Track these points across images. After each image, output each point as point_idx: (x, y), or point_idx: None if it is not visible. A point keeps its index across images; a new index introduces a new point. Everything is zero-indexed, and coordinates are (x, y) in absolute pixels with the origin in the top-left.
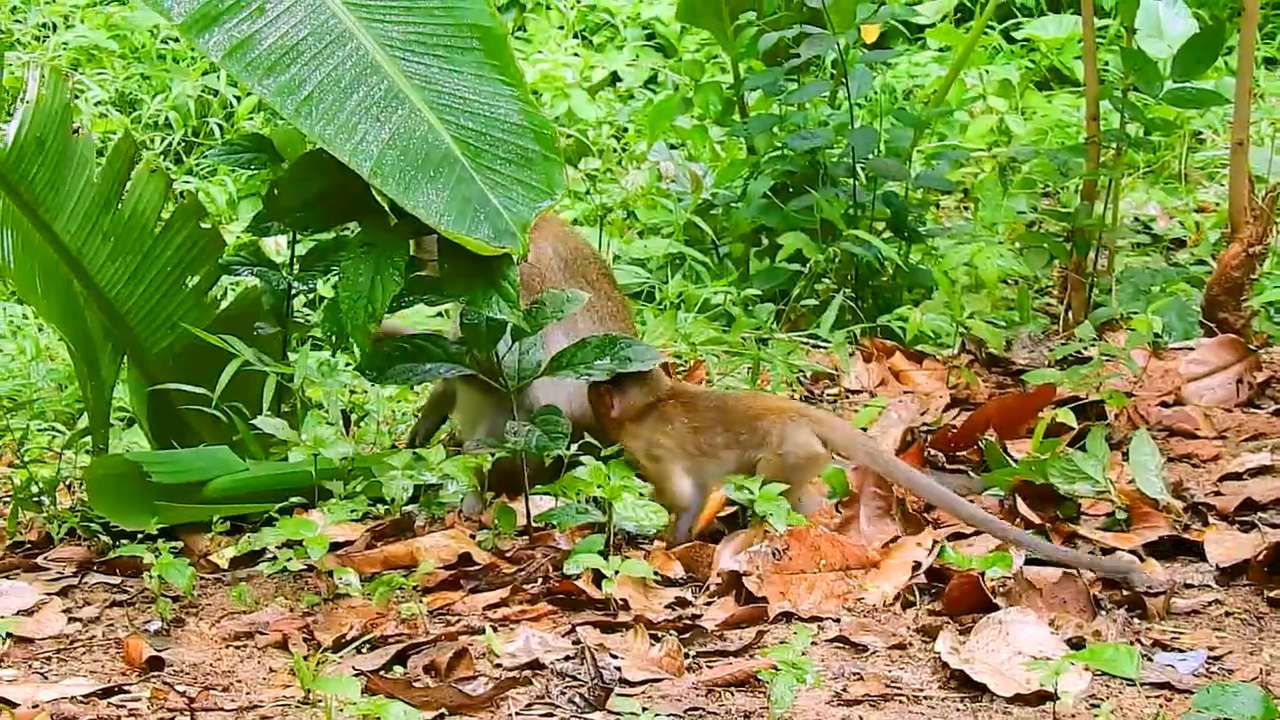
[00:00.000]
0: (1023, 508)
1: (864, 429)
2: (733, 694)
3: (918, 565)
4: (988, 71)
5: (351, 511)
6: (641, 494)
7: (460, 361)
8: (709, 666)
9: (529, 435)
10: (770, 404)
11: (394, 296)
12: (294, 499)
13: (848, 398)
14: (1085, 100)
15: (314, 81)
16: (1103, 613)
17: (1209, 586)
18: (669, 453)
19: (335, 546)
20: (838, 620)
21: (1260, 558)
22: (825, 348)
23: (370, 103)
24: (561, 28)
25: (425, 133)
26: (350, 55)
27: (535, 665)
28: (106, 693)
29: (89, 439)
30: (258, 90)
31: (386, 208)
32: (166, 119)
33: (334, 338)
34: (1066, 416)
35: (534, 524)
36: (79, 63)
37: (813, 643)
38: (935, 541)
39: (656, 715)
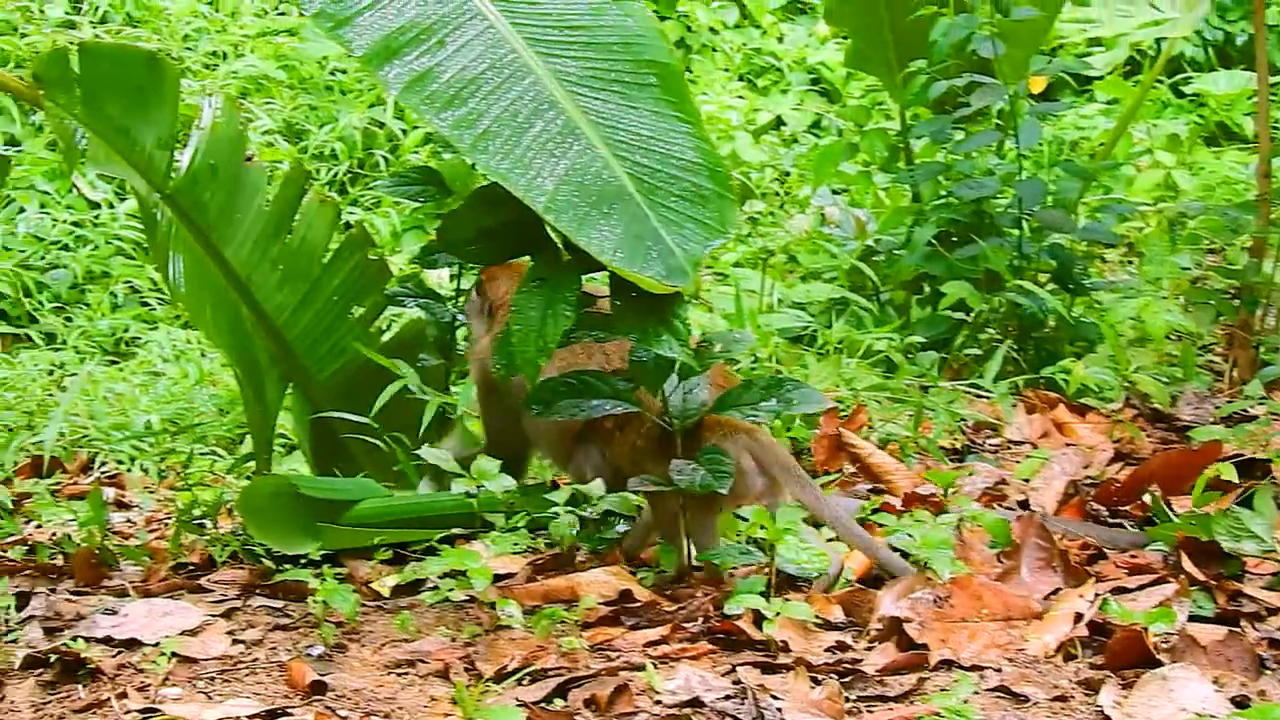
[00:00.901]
0: (1187, 564)
1: (1026, 480)
2: None
3: (1080, 617)
4: (1155, 125)
5: (515, 544)
6: (804, 538)
7: (627, 399)
8: (869, 711)
9: (694, 474)
10: (713, 421)
11: (564, 331)
12: (455, 529)
13: (1009, 448)
14: (1257, 157)
15: (491, 115)
16: (1268, 672)
17: None
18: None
19: (497, 578)
20: (999, 670)
21: None
22: (988, 398)
23: (546, 138)
24: (727, 70)
25: (600, 169)
26: (528, 90)
27: (696, 703)
28: (270, 715)
29: (251, 464)
30: (435, 124)
31: (559, 243)
32: (333, 150)
33: (503, 370)
34: (1229, 472)
35: (694, 563)
36: (247, 92)
37: (974, 692)
38: (1098, 594)
39: None
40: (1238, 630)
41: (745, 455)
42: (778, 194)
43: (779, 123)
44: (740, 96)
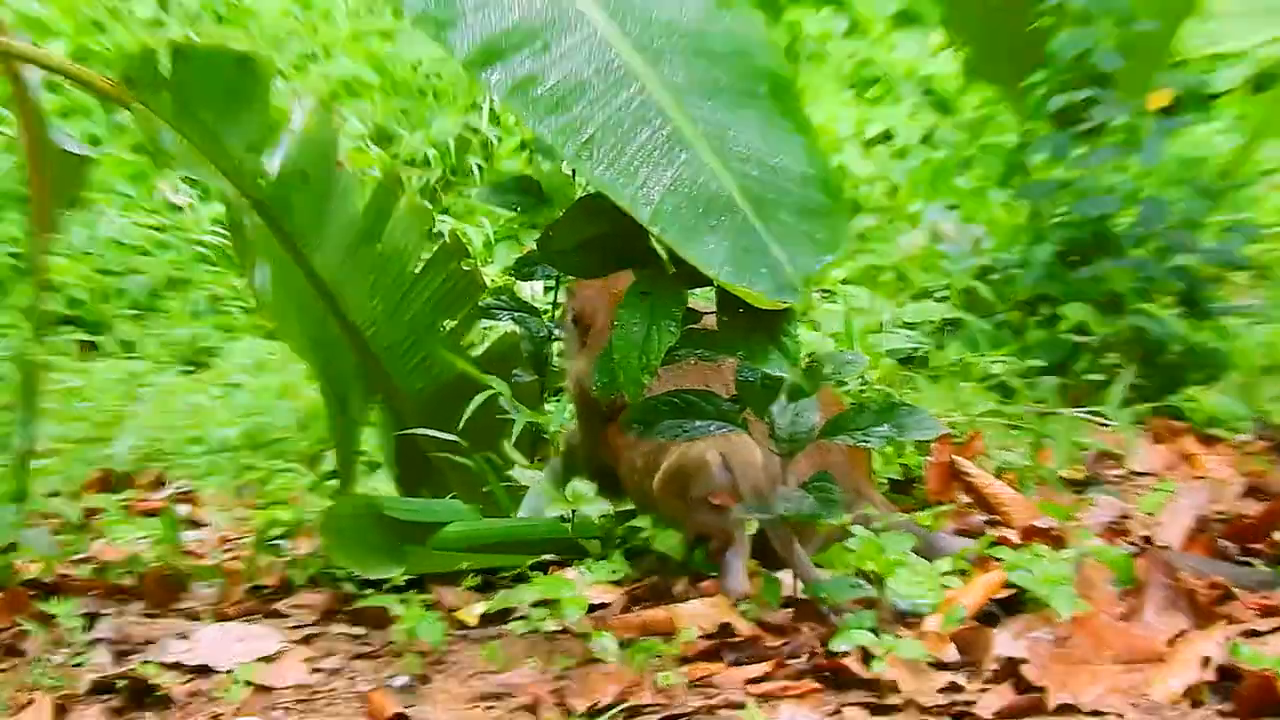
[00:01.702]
0: None
1: (1151, 514)
2: None
3: (1207, 661)
4: None
5: (612, 572)
6: (916, 571)
7: (733, 420)
8: None
9: (801, 502)
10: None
11: (668, 348)
12: (547, 555)
13: (1133, 480)
14: None
15: (596, 122)
16: None
17: None
18: None
19: (591, 608)
20: (1121, 715)
21: None
22: (1110, 426)
23: (652, 147)
24: (835, 80)
25: (707, 180)
26: (634, 97)
27: None
28: None
29: (333, 482)
30: (539, 130)
31: (664, 257)
32: (425, 156)
33: (603, 389)
34: None
35: (801, 596)
36: (338, 95)
37: None
38: (1227, 637)
39: None
40: None
41: (711, 450)
42: (888, 209)
43: (889, 135)
44: (850, 107)
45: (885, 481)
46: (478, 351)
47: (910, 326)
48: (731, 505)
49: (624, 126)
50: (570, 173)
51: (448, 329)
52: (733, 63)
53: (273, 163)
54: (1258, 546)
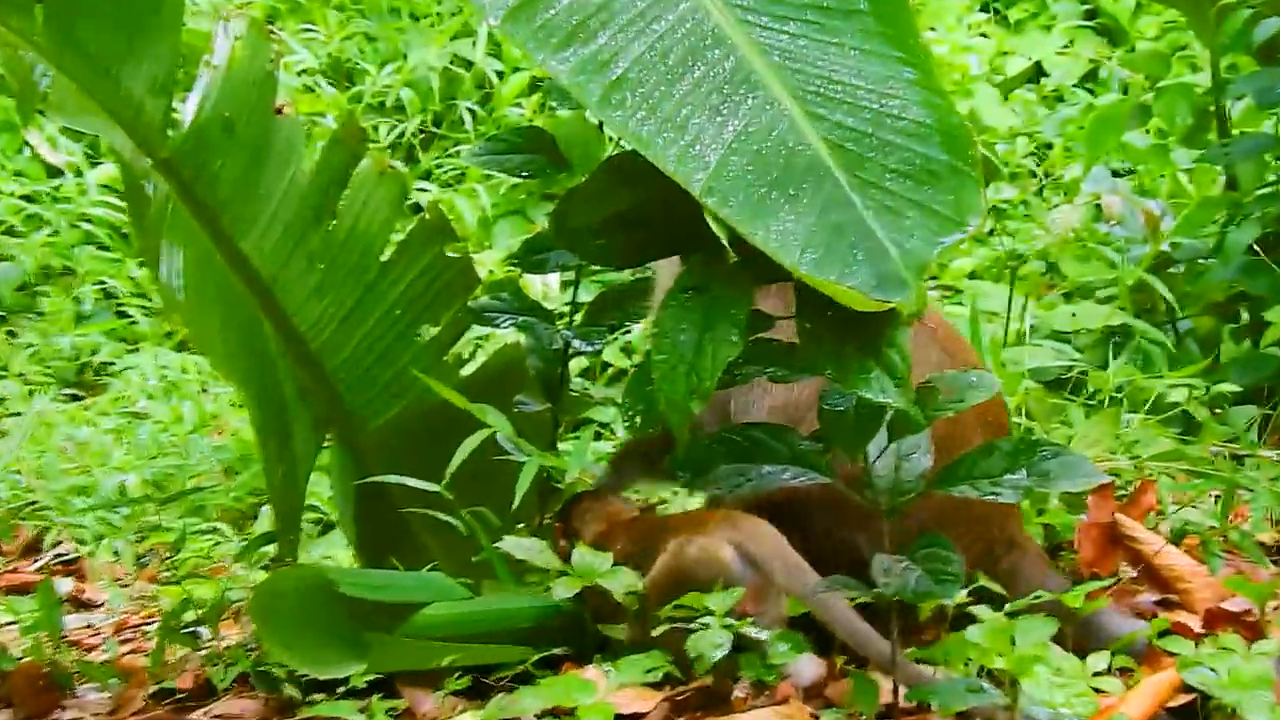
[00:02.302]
0: None
1: None
2: None
3: None
4: None
5: (645, 671)
6: (1059, 670)
7: (816, 466)
8: None
9: (907, 576)
10: (704, 516)
11: (729, 364)
12: (562, 648)
13: None
14: None
15: (631, 55)
16: None
17: None
18: None
19: (620, 719)
20: None
21: None
22: None
23: (709, 88)
24: None
25: (784, 132)
26: (684, 19)
27: None
28: None
29: (269, 548)
30: (551, 67)
31: (723, 239)
32: (398, 99)
33: (638, 418)
34: None
35: (904, 702)
36: (278, 13)
37: None
38: None
39: None
40: None
41: (722, 543)
42: (1034, 175)
43: (1039, 73)
44: (983, 34)
45: None
46: (469, 370)
47: (1062, 337)
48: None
49: (669, 60)
50: (597, 124)
51: (426, 338)
52: None
53: (186, 109)
54: None
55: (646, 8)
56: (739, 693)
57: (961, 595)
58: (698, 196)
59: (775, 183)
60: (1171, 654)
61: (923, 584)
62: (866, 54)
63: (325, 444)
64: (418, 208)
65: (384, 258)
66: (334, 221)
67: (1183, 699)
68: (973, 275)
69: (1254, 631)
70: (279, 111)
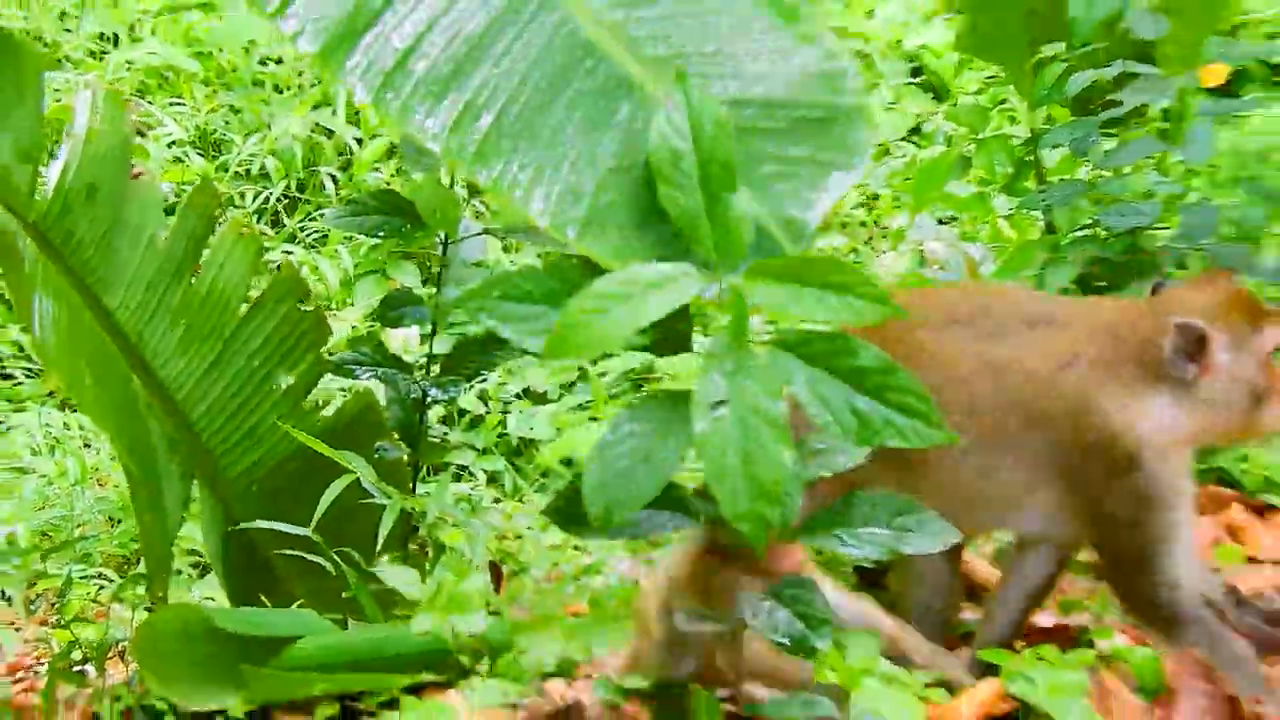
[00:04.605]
0: None
1: None
2: None
3: None
4: None
5: (501, 694)
6: (890, 680)
7: (689, 511)
8: None
9: (776, 617)
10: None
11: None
12: (425, 675)
13: None
14: None
15: (505, 91)
16: None
17: None
18: None
19: None
20: None
21: None
22: None
23: (584, 102)
24: None
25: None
26: (554, 34)
27: None
28: None
29: (147, 590)
30: (425, 130)
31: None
32: (262, 167)
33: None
34: None
35: (745, 716)
36: (147, 88)
37: None
38: None
39: None
40: None
41: None
42: (864, 224)
43: None
44: None
45: (856, 570)
46: (328, 414)
47: None
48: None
49: (544, 82)
50: (451, 184)
51: (283, 388)
52: None
53: (50, 175)
54: None
55: (516, 34)
56: (591, 713)
57: None
58: (577, 240)
59: (646, 214)
60: (994, 665)
61: (793, 626)
62: (736, 7)
63: (195, 490)
64: (275, 267)
65: (241, 313)
66: (194, 280)
67: (1005, 708)
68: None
69: (1071, 642)
70: (136, 177)
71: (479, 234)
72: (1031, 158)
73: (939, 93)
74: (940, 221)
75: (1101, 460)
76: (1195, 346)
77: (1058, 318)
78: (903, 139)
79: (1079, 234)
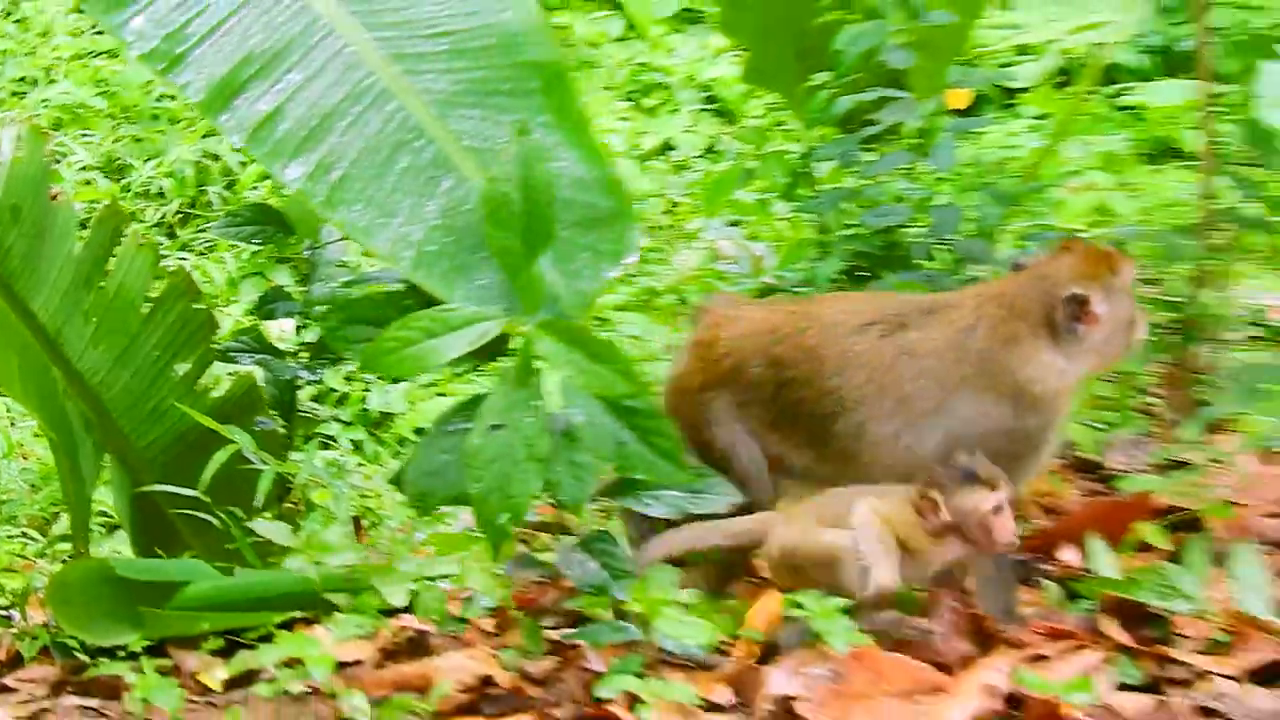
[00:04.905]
0: (1109, 628)
1: None
2: None
3: (991, 690)
4: (1090, 142)
5: (359, 627)
6: (689, 608)
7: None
8: None
9: (586, 567)
10: None
11: None
12: (296, 612)
13: None
14: (1199, 176)
15: (350, 156)
16: None
17: None
18: None
19: (342, 666)
20: None
21: None
22: None
23: (413, 175)
24: (610, 88)
25: (476, 205)
26: (391, 118)
27: None
28: None
29: (67, 545)
30: (285, 175)
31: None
32: (160, 187)
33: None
34: (1157, 537)
35: (565, 642)
36: (61, 122)
37: None
38: (1013, 664)
39: None
40: (1165, 698)
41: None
42: (667, 227)
43: (668, 147)
44: (625, 118)
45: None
46: (217, 394)
47: None
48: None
49: (380, 155)
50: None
51: (180, 374)
52: (500, 59)
53: None
54: (1048, 566)
55: (363, 111)
56: (436, 639)
57: None
58: (409, 275)
59: (470, 249)
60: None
61: (599, 575)
62: (541, 126)
63: (107, 461)
64: (175, 272)
65: (143, 311)
66: (103, 284)
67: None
68: (620, 308)
69: None
70: (54, 198)
71: (339, 240)
72: (806, 169)
73: (729, 117)
74: (730, 224)
75: (1010, 410)
76: (1080, 309)
77: (949, 302)
78: (699, 156)
79: (845, 232)
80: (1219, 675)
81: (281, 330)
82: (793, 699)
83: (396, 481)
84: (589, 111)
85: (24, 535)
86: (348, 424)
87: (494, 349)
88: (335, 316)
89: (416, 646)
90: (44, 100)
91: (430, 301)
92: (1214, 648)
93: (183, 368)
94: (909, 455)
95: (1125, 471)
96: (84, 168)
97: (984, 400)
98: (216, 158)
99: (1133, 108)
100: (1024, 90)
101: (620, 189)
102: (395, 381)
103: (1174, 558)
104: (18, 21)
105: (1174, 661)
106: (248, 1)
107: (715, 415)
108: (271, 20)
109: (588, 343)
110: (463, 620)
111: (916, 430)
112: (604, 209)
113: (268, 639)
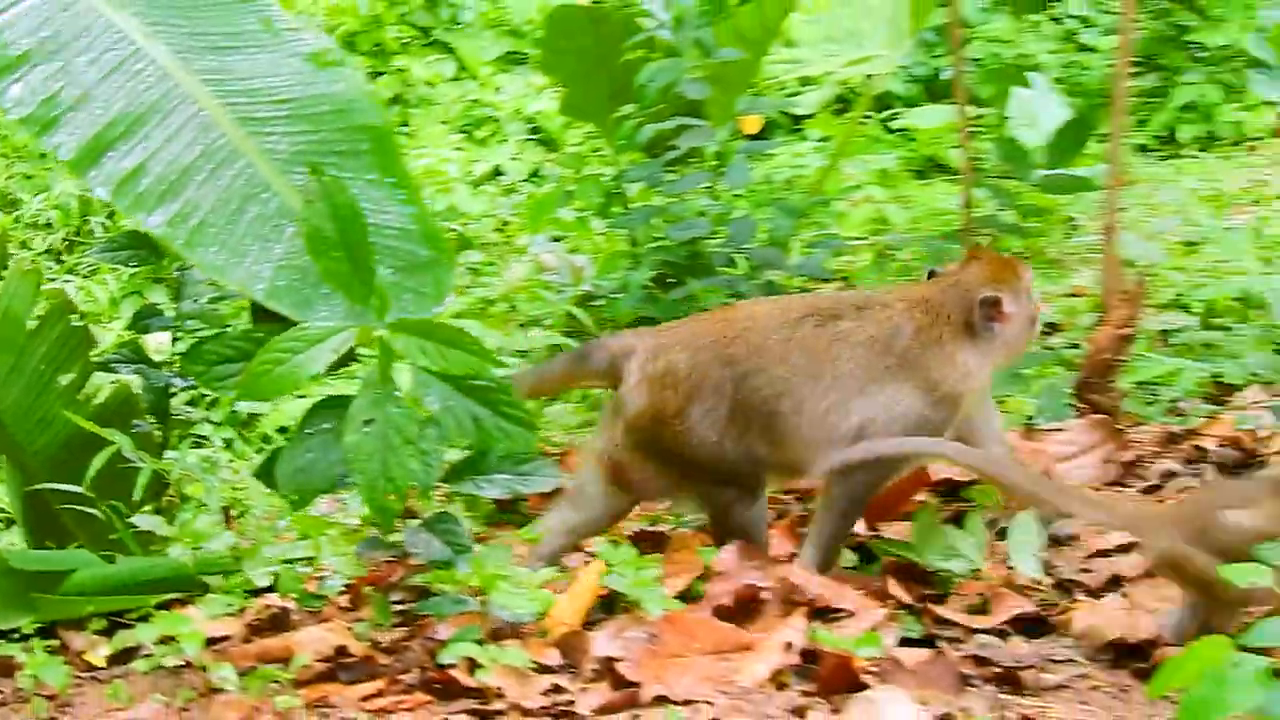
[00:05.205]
0: (894, 588)
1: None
2: None
3: (790, 646)
4: (867, 161)
5: (228, 605)
6: (518, 582)
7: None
8: None
9: (430, 547)
10: None
11: None
12: (172, 594)
13: None
14: (961, 188)
15: (205, 207)
16: (971, 689)
17: (1075, 661)
18: None
19: (213, 641)
20: (712, 703)
21: (1124, 632)
22: None
23: (261, 223)
24: (445, 123)
25: None
26: (240, 174)
27: None
28: None
29: None
30: (149, 224)
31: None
32: (48, 219)
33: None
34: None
35: (413, 614)
36: None
37: None
38: (809, 622)
39: None
40: (942, 650)
41: None
42: (498, 243)
43: (498, 172)
44: (459, 149)
45: (495, 502)
46: (98, 401)
47: (521, 355)
48: None
49: (232, 206)
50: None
51: (64, 385)
52: (334, 123)
53: None
54: None
55: (216, 168)
56: (296, 615)
57: None
58: (262, 302)
59: (314, 285)
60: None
61: (443, 552)
62: (369, 183)
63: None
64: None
65: (30, 329)
66: None
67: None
68: (458, 316)
69: (656, 546)
70: None
71: None
72: (618, 190)
73: (551, 145)
74: (553, 239)
75: (922, 402)
76: (994, 309)
77: (879, 301)
78: (525, 180)
79: (654, 245)
80: (981, 630)
81: (158, 343)
82: (615, 660)
83: (261, 475)
84: (409, 170)
85: None
86: (219, 424)
87: (344, 357)
88: (201, 361)
89: (279, 622)
90: None
91: (283, 326)
92: (984, 604)
93: (66, 378)
94: (833, 431)
95: None
96: None
97: (902, 390)
98: None
99: (903, 130)
100: (808, 116)
101: (439, 239)
102: None
103: (956, 523)
104: None
105: (945, 621)
106: (113, 71)
107: (696, 427)
108: (134, 88)
109: (439, 332)
110: (320, 597)
111: (843, 408)
112: (424, 257)
113: (146, 619)
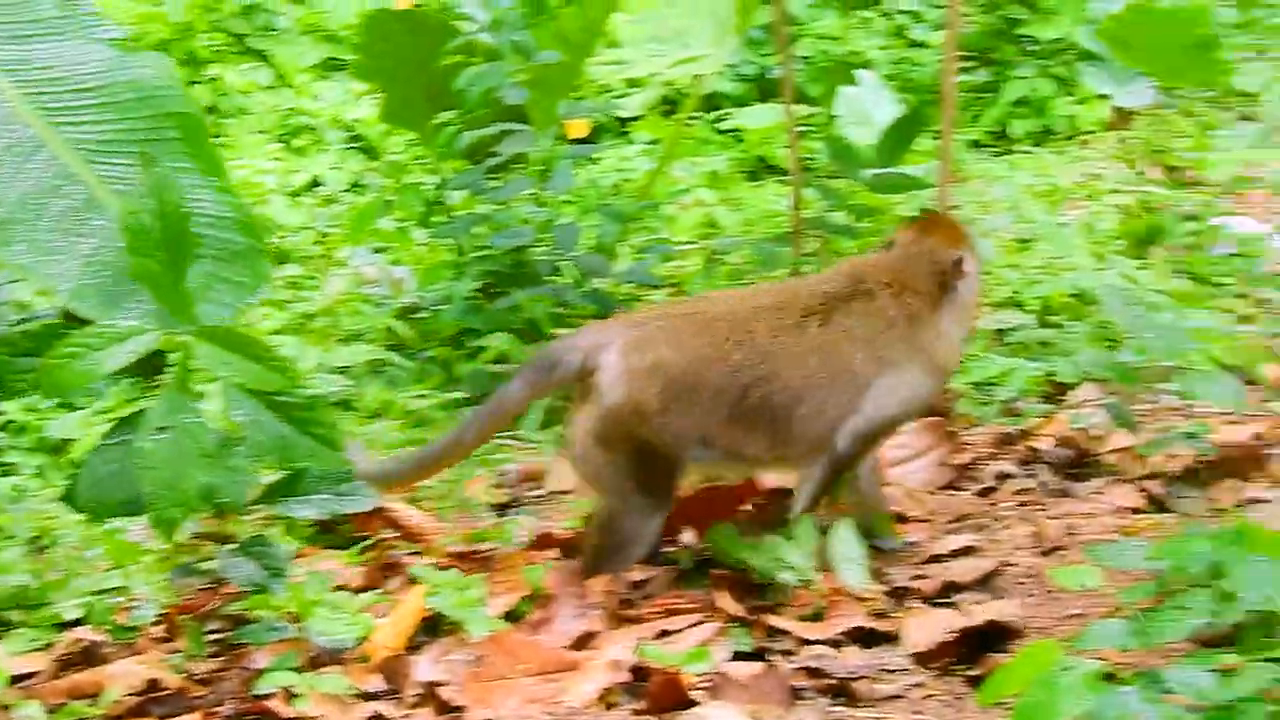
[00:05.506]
0: (723, 600)
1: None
2: None
3: (618, 664)
4: (696, 163)
5: (33, 640)
6: (336, 606)
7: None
8: None
9: (244, 571)
10: None
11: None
12: None
13: (553, 499)
14: (791, 189)
15: (10, 202)
16: (804, 701)
17: (908, 670)
18: None
19: (18, 679)
20: None
21: (957, 639)
22: (533, 447)
23: (67, 217)
24: (262, 132)
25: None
26: (46, 166)
27: None
28: None
29: None
30: None
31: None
32: None
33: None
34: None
35: (230, 643)
36: None
37: None
38: (636, 639)
39: None
40: (773, 664)
41: None
42: (318, 256)
43: (317, 183)
44: (277, 158)
45: (314, 524)
46: None
47: (341, 371)
48: None
49: (38, 200)
50: None
51: None
52: (141, 110)
53: None
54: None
55: (22, 162)
56: (108, 648)
57: None
58: (68, 306)
59: (123, 280)
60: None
61: (259, 575)
62: (181, 170)
63: None
64: None
65: None
66: None
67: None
68: (276, 333)
69: (480, 566)
70: None
71: (9, 281)
72: (440, 199)
73: (372, 153)
74: (375, 251)
75: (925, 379)
76: (957, 269)
77: (861, 289)
78: (345, 190)
79: (478, 254)
80: (819, 640)
81: None
82: (438, 684)
83: (66, 499)
84: (221, 156)
85: None
86: (30, 450)
87: (155, 367)
88: (2, 354)
89: (90, 655)
90: None
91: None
92: (814, 615)
93: None
94: (846, 425)
95: None
96: None
97: (909, 372)
98: None
99: (733, 130)
100: (635, 119)
101: (253, 226)
102: (72, 410)
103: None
104: None
105: (779, 631)
106: None
107: (673, 430)
108: None
109: (242, 343)
110: (132, 629)
111: (857, 402)
112: (239, 244)
113: None
